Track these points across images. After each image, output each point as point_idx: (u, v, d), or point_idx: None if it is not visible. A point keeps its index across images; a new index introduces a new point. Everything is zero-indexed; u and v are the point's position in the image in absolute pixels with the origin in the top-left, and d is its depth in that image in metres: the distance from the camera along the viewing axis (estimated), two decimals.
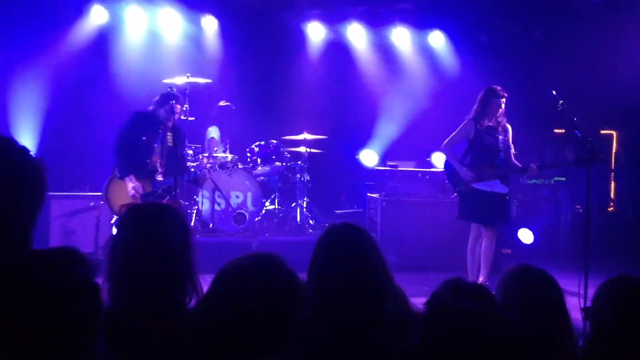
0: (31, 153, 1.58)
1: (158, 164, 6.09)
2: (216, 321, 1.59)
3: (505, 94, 6.03)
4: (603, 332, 2.13)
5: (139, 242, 2.10)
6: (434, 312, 1.76)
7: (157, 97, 6.15)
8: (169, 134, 6.14)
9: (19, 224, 1.52)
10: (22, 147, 1.58)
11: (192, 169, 6.88)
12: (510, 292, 2.25)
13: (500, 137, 6.09)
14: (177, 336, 2.03)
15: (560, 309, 2.26)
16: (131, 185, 5.98)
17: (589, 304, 4.29)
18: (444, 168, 6.49)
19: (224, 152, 8.07)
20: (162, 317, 2.08)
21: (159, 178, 6.09)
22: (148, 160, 6.08)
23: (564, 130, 8.82)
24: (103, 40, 8.66)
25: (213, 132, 8.33)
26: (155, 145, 6.09)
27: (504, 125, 6.13)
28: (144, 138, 6.04)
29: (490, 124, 6.08)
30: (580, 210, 8.41)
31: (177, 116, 6.16)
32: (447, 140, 6.22)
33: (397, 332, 2.02)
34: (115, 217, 5.97)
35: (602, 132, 9.15)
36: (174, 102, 6.04)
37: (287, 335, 1.64)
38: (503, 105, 6.04)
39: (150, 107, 6.16)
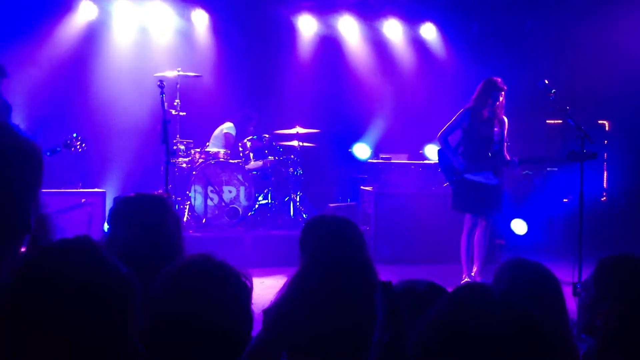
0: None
1: None
2: (152, 327, 1.53)
3: (505, 87, 5.99)
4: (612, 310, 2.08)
5: (136, 232, 2.12)
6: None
7: None
8: None
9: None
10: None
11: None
12: (505, 285, 2.23)
13: (496, 129, 6.07)
14: None
15: (557, 301, 2.24)
16: None
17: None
18: (438, 157, 6.43)
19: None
20: None
21: None
22: None
23: (560, 121, 8.81)
24: (92, 36, 8.58)
25: (228, 127, 8.32)
26: None
27: (501, 118, 6.11)
28: None
29: (487, 115, 6.06)
30: (571, 198, 8.40)
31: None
32: (442, 130, 6.19)
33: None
34: None
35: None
36: None
37: (231, 344, 1.57)
38: (501, 98, 6.00)
39: None
